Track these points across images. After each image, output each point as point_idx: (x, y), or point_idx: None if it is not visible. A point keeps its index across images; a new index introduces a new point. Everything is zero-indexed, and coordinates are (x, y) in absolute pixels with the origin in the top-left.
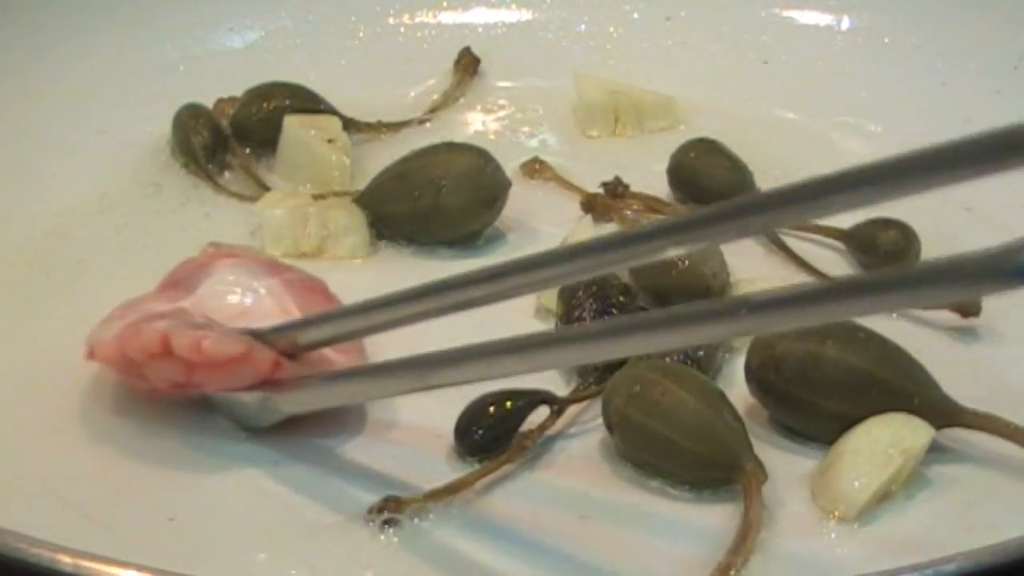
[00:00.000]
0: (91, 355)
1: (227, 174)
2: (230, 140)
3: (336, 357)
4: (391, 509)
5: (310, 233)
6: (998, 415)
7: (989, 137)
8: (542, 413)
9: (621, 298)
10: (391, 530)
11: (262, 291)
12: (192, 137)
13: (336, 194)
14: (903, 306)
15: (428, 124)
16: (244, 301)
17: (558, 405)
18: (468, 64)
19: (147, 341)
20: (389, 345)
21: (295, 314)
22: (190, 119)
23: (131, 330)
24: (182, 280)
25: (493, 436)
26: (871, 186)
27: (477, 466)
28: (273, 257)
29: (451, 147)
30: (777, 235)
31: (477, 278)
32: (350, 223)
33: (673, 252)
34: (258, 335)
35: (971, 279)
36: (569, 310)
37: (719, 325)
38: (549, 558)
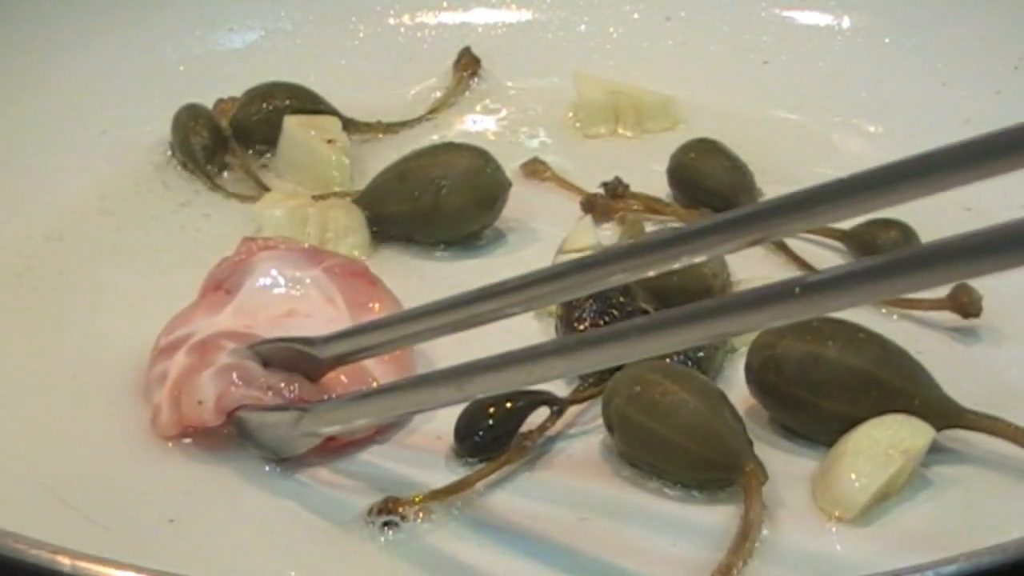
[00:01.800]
0: (158, 429)
1: (227, 174)
2: (230, 140)
3: (376, 368)
4: (391, 510)
5: (310, 233)
6: (998, 416)
7: (990, 138)
8: (542, 414)
9: (621, 298)
10: (391, 531)
11: (308, 282)
12: (192, 137)
13: (336, 194)
14: (963, 277)
15: (428, 124)
16: (290, 295)
17: (558, 406)
18: (468, 64)
19: (207, 420)
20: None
21: (340, 304)
22: (190, 119)
23: (185, 406)
24: (223, 280)
25: (493, 437)
26: (875, 191)
27: (477, 467)
28: (311, 245)
29: (451, 147)
30: None
31: (521, 284)
32: (350, 223)
33: (677, 264)
34: (311, 343)
35: None
36: (569, 311)
37: (775, 308)
38: (549, 558)
